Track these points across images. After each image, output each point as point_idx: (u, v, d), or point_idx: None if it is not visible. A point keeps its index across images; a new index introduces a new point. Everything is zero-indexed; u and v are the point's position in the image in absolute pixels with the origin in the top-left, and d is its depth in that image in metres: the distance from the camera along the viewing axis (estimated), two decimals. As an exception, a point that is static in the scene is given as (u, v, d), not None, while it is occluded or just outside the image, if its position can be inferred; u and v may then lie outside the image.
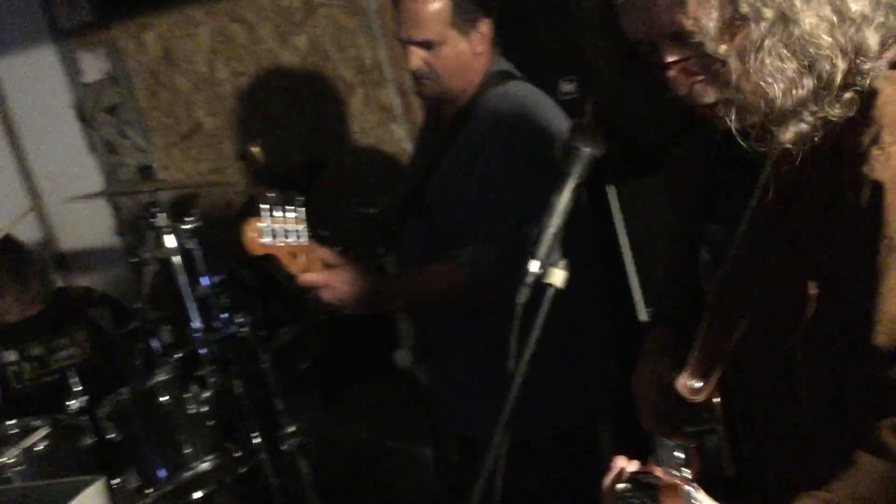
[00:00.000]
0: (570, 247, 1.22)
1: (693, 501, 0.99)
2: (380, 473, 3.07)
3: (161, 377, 2.41)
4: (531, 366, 1.17)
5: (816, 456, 1.13)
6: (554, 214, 1.21)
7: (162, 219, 2.46)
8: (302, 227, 1.79)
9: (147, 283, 2.57)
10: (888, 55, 1.05)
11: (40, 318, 2.97)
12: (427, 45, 2.00)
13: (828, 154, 1.06)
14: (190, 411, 2.41)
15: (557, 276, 1.19)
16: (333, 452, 3.16)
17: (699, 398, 1.20)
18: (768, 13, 1.00)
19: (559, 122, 2.00)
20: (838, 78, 1.03)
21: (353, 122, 3.41)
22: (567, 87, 2.79)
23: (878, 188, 1.00)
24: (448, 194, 2.06)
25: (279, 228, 1.75)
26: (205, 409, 2.42)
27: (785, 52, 1.02)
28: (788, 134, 1.06)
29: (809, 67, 1.02)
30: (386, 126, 3.42)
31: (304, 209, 1.80)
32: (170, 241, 2.47)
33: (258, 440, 2.47)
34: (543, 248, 1.19)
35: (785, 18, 1.01)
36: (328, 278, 1.86)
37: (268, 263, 1.88)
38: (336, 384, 3.20)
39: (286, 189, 2.46)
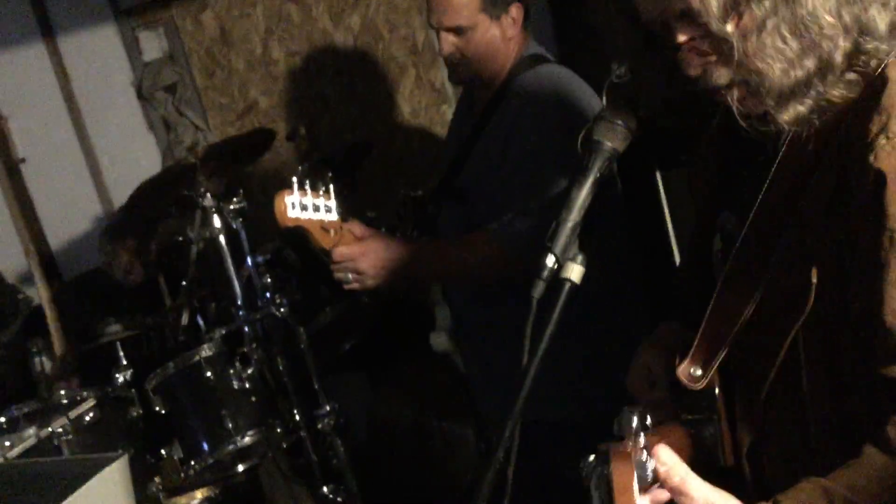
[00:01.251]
0: (603, 236, 1.20)
1: (645, 466, 0.98)
2: (423, 452, 3.09)
3: (206, 353, 2.46)
4: (569, 349, 1.16)
5: (816, 445, 1.11)
6: (572, 209, 1.20)
7: (209, 199, 2.50)
8: (332, 202, 1.81)
9: (193, 262, 2.62)
10: None
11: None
12: (458, 30, 2.02)
13: (840, 141, 1.05)
14: (233, 387, 2.46)
15: (575, 272, 1.18)
16: (379, 431, 3.20)
17: (699, 385, 1.18)
18: None
19: (593, 101, 2.01)
20: (839, 58, 1.02)
21: (404, 104, 3.41)
22: (619, 69, 2.74)
23: (881, 178, 0.99)
24: (483, 178, 2.08)
25: (308, 202, 1.76)
26: (247, 385, 2.46)
27: (787, 32, 1.02)
28: (787, 115, 1.05)
29: (811, 48, 1.02)
30: (437, 107, 3.42)
31: (333, 185, 1.82)
32: (216, 221, 2.51)
33: (298, 417, 2.51)
34: (560, 243, 1.18)
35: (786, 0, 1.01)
36: (361, 249, 1.87)
37: (305, 241, 1.89)
38: (381, 365, 3.23)
39: (319, 164, 2.49)
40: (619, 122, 1.20)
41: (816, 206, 1.07)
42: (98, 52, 3.56)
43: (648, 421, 1.00)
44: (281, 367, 2.51)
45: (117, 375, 2.43)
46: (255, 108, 3.51)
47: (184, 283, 2.74)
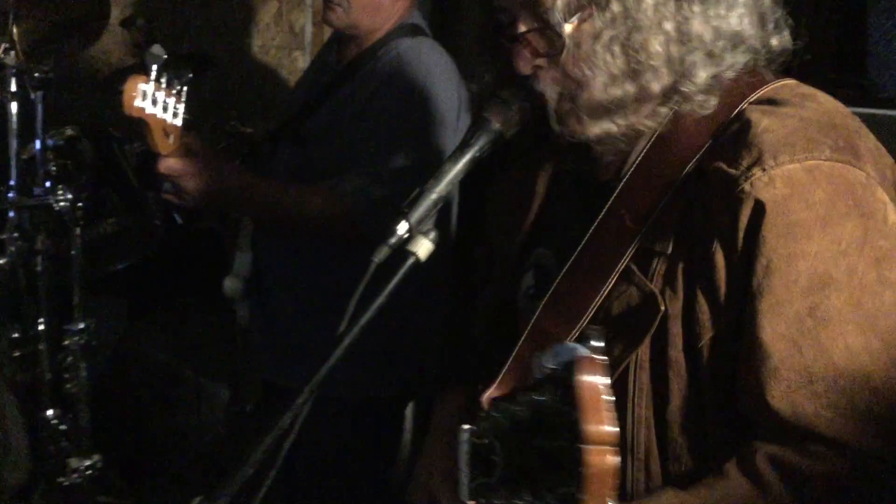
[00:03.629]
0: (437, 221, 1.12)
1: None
2: (168, 400, 2.89)
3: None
4: (378, 327, 1.06)
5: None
6: (441, 181, 1.11)
7: (10, 58, 2.17)
8: (181, 106, 1.68)
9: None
10: (755, 93, 1.07)
11: None
12: None
13: (689, 175, 1.06)
14: (-25, 272, 2.14)
15: (423, 247, 1.08)
16: (126, 366, 2.95)
17: None
18: (615, 7, 1.03)
19: (461, 87, 1.96)
20: (656, 88, 1.05)
21: (256, 35, 3.19)
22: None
23: (759, 207, 0.99)
24: (332, 130, 1.97)
25: (160, 97, 1.62)
26: (-7, 275, 2.16)
27: (618, 49, 1.04)
28: (596, 129, 1.07)
29: (634, 73, 1.04)
30: (290, 51, 3.23)
31: (186, 89, 1.69)
32: (13, 83, 2.18)
33: (42, 327, 2.23)
34: (418, 212, 1.08)
35: (628, 17, 1.03)
36: (192, 167, 1.74)
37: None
38: (149, 296, 2.98)
39: (181, 63, 2.26)
40: (514, 106, 1.12)
41: (661, 238, 1.06)
42: None
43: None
44: (39, 268, 2.22)
45: None
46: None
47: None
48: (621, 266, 1.07)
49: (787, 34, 1.10)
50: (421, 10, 2.15)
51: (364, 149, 1.88)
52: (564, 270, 1.12)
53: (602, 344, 0.83)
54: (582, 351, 0.80)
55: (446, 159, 1.13)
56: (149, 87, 1.59)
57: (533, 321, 1.13)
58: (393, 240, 1.07)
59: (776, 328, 0.98)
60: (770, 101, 1.06)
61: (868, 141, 1.06)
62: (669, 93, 1.06)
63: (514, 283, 1.26)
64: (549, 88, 1.08)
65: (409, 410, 2.30)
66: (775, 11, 1.10)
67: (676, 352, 1.04)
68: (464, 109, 1.97)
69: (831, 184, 0.99)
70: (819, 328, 0.98)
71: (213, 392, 2.90)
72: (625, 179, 1.10)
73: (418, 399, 2.39)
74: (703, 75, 1.05)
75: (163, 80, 1.62)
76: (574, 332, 1.09)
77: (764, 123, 1.02)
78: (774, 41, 1.09)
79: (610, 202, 1.10)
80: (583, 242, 1.10)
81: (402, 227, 1.07)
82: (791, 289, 0.98)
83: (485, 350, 1.32)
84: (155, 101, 1.60)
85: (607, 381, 0.82)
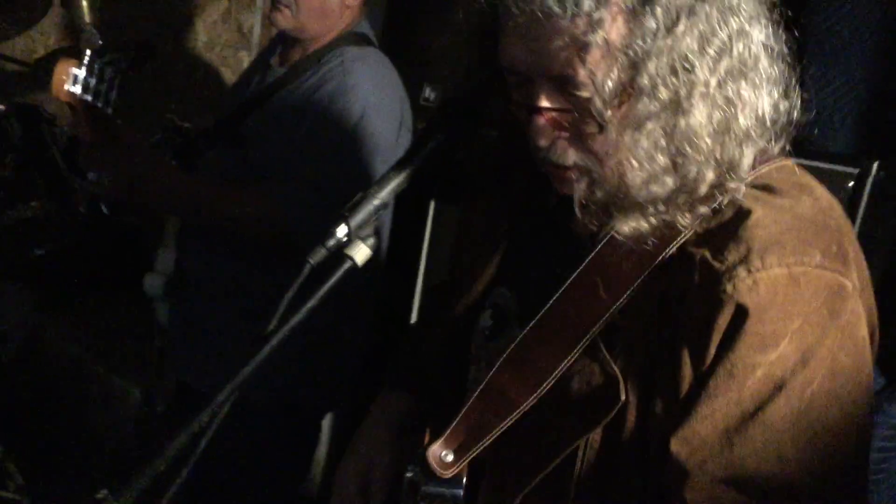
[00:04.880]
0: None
1: None
2: (75, 395, 2.79)
3: None
4: (301, 332, 1.03)
5: None
6: (385, 188, 1.10)
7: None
8: (113, 94, 1.68)
9: None
10: (752, 172, 0.99)
11: None
12: None
13: (671, 256, 0.98)
14: None
15: (360, 253, 1.07)
16: (34, 356, 2.84)
17: (448, 473, 1.08)
18: (664, 94, 0.92)
19: (405, 101, 1.96)
20: (702, 189, 0.95)
21: (202, 31, 3.13)
22: (431, 94, 2.72)
23: (741, 313, 0.92)
24: (270, 132, 1.93)
25: (92, 83, 1.61)
26: None
27: (662, 141, 0.93)
28: (627, 227, 0.97)
29: (677, 166, 0.94)
30: (236, 50, 3.18)
31: (121, 77, 1.68)
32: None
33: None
34: (359, 217, 1.06)
35: (677, 106, 0.92)
36: (119, 155, 1.71)
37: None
38: (65, 286, 2.87)
39: (119, 53, 2.20)
40: (462, 123, 1.12)
41: (632, 317, 1.00)
42: None
43: None
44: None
45: None
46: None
47: None
48: (588, 339, 1.01)
49: (798, 104, 1.00)
50: (372, 21, 2.14)
51: (301, 155, 1.84)
52: (528, 329, 1.04)
53: None
54: None
55: (391, 167, 1.12)
56: (80, 72, 1.57)
57: (489, 377, 1.06)
58: (331, 242, 1.05)
59: (717, 425, 0.95)
60: (766, 188, 0.98)
61: (854, 245, 1.00)
62: (713, 189, 0.96)
63: (471, 318, 1.21)
64: (569, 160, 0.99)
65: (326, 422, 2.27)
66: (793, 81, 0.99)
67: (628, 443, 1.00)
68: (405, 124, 1.97)
69: (814, 294, 0.94)
70: (758, 429, 0.94)
71: (125, 391, 2.80)
72: (602, 243, 1.01)
73: (336, 411, 2.36)
74: (746, 167, 0.96)
75: (96, 65, 1.60)
76: (531, 399, 1.03)
77: (757, 215, 0.95)
78: (783, 106, 0.98)
79: (585, 264, 1.02)
80: (550, 303, 1.03)
81: (342, 231, 1.05)
82: (742, 393, 0.94)
83: (434, 375, 1.28)
84: (86, 86, 1.59)
85: None
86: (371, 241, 1.08)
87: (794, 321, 0.93)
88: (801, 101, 0.99)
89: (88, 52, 1.59)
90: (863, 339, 0.98)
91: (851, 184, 1.60)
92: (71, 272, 2.76)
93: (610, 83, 0.91)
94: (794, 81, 0.99)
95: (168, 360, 2.16)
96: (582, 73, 0.92)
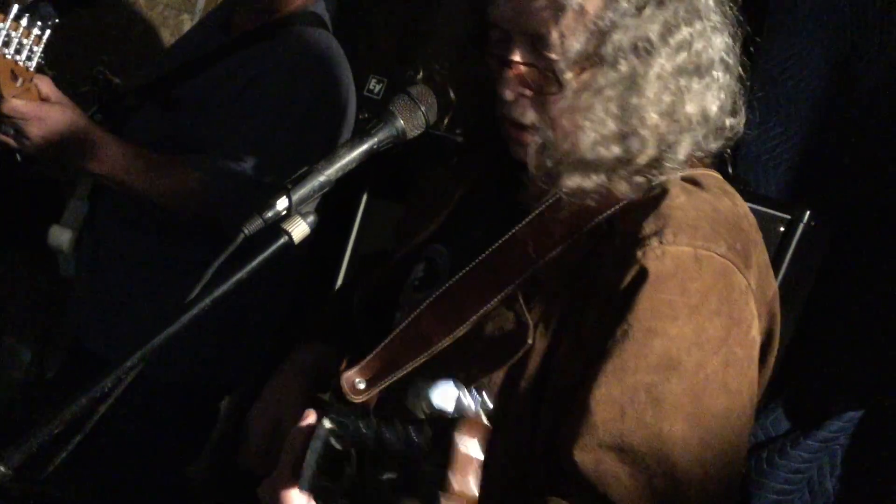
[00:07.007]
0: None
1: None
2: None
3: None
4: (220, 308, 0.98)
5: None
6: (333, 165, 1.07)
7: None
8: (38, 49, 1.60)
9: None
10: (688, 169, 1.08)
11: None
12: None
13: (597, 226, 1.06)
14: None
15: (299, 229, 1.03)
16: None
17: (358, 399, 1.11)
18: (623, 67, 1.01)
19: (350, 93, 1.92)
20: (642, 160, 1.04)
21: (145, -13, 3.00)
22: (376, 86, 2.68)
23: (642, 274, 0.99)
24: (206, 100, 1.86)
25: (14, 38, 1.56)
26: None
27: (615, 109, 1.02)
28: (572, 182, 1.05)
29: (624, 136, 1.03)
30: (178, 12, 3.07)
31: (49, 33, 1.60)
32: None
33: None
34: (302, 191, 1.02)
35: (633, 81, 1.02)
36: (38, 112, 1.63)
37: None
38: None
39: (46, 6, 2.10)
40: (423, 107, 1.09)
41: (554, 275, 1.06)
42: None
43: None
44: None
45: None
46: None
47: None
48: (509, 290, 1.06)
49: (741, 117, 1.10)
50: (329, 5, 2.09)
51: (238, 128, 1.77)
52: (457, 277, 1.10)
53: (492, 406, 0.78)
54: (468, 403, 0.75)
55: (341, 144, 1.09)
56: (3, 25, 1.53)
57: (412, 317, 1.11)
58: (269, 213, 1.01)
59: (611, 390, 0.98)
60: (694, 183, 1.07)
61: (762, 257, 1.08)
62: (651, 164, 1.05)
63: (403, 270, 1.24)
64: (528, 119, 1.07)
65: (223, 404, 2.18)
66: (741, 94, 1.10)
67: (526, 387, 1.04)
68: (350, 112, 1.92)
69: (714, 278, 1.01)
70: (649, 404, 0.98)
71: (14, 350, 2.66)
72: (540, 209, 1.09)
73: (234, 394, 2.27)
74: (682, 153, 1.05)
75: (23, 20, 1.56)
76: (446, 339, 1.08)
77: (680, 200, 1.03)
78: (730, 122, 1.09)
79: (520, 225, 1.09)
80: (482, 256, 1.09)
81: (282, 203, 1.01)
82: (639, 361, 0.98)
83: (357, 325, 1.29)
84: (7, 42, 1.54)
85: (481, 450, 0.76)
86: (311, 218, 1.03)
87: (692, 297, 0.99)
88: (745, 128, 1.10)
89: (16, 6, 1.55)
90: (753, 340, 1.04)
91: (782, 229, 1.62)
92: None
93: (577, 45, 1.01)
94: (741, 102, 1.10)
95: (68, 317, 2.05)
96: (554, 35, 1.02)
